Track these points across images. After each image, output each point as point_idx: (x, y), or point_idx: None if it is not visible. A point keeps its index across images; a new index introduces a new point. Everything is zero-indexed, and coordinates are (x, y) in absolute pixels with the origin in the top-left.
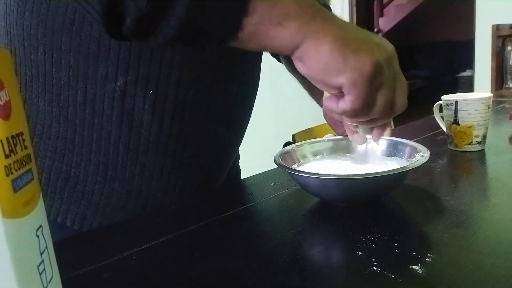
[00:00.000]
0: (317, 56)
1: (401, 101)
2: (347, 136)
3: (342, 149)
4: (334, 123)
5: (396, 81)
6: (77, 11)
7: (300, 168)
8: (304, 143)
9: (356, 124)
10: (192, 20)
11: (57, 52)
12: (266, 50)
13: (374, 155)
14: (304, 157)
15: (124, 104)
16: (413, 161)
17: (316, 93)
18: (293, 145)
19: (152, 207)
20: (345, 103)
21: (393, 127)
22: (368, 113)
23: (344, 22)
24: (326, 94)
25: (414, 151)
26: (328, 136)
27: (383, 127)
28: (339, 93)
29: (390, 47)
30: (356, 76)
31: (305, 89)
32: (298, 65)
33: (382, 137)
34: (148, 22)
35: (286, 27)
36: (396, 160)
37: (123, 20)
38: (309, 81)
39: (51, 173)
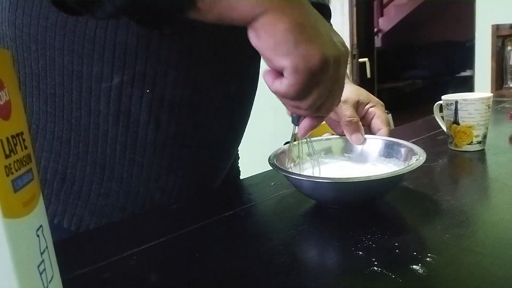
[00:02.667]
0: (271, 32)
1: (330, 105)
2: (344, 135)
3: (339, 148)
4: (332, 123)
5: (336, 83)
6: None
7: (295, 169)
8: (301, 142)
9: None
10: None
11: (51, 50)
12: (224, 21)
13: (371, 156)
14: (301, 156)
15: (121, 104)
16: (409, 164)
17: None
18: (289, 144)
19: (151, 208)
20: (281, 85)
21: (392, 127)
22: (298, 101)
23: (308, 6)
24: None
25: (411, 152)
26: (326, 135)
27: (312, 123)
28: (280, 72)
29: (344, 49)
30: (301, 64)
31: None
32: (251, 36)
33: (309, 132)
34: None
35: None
36: (393, 161)
37: None
38: None
39: (47, 174)
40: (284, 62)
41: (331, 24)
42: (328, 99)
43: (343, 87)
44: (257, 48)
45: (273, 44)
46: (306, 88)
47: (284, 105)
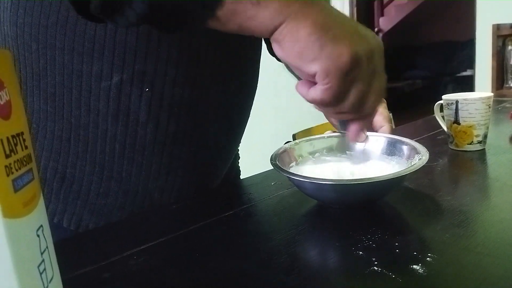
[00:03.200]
0: (294, 39)
1: (374, 100)
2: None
3: (341, 147)
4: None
5: (374, 78)
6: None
7: (297, 168)
8: (302, 141)
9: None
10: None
11: (51, 50)
12: (245, 32)
13: (374, 154)
14: (302, 155)
15: (120, 102)
16: (411, 163)
17: None
18: (291, 143)
19: (150, 207)
20: (315, 92)
21: (393, 126)
22: (338, 105)
23: (330, 6)
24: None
25: (414, 151)
26: (328, 133)
27: (360, 125)
28: (313, 80)
29: (375, 41)
30: (331, 66)
31: None
32: (276, 47)
33: (359, 136)
34: (114, 1)
35: (266, 6)
36: (396, 159)
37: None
38: None
39: (46, 173)
40: (314, 67)
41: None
42: (370, 96)
43: (384, 81)
44: (284, 60)
45: (298, 51)
46: (342, 89)
47: (327, 116)
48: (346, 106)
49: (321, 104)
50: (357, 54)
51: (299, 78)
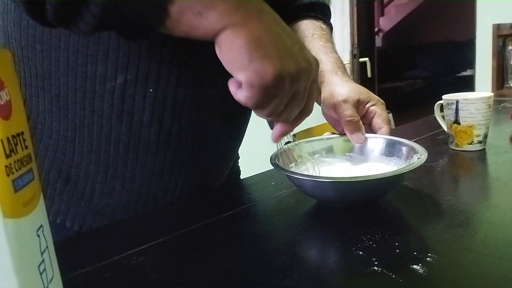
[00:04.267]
0: (228, 47)
1: (287, 115)
2: (346, 134)
3: (340, 148)
4: (334, 122)
5: (293, 98)
6: None
7: (297, 168)
8: (302, 142)
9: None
10: (114, 7)
11: (56, 51)
12: (191, 37)
13: (373, 155)
14: (302, 156)
15: (124, 103)
16: (410, 162)
17: None
18: (291, 143)
19: (153, 208)
20: (240, 95)
21: (393, 126)
22: (257, 110)
23: (274, 20)
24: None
25: (412, 151)
26: (327, 135)
27: (282, 128)
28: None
29: (306, 65)
30: (255, 80)
31: None
32: (216, 50)
33: (280, 137)
34: (68, 9)
35: (206, 17)
36: (395, 160)
37: (45, 7)
38: None
39: (50, 173)
40: (240, 77)
41: (331, 28)
42: (285, 111)
43: (305, 99)
44: (221, 61)
45: (230, 59)
46: (261, 101)
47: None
48: (264, 113)
49: (244, 105)
50: (281, 75)
51: None
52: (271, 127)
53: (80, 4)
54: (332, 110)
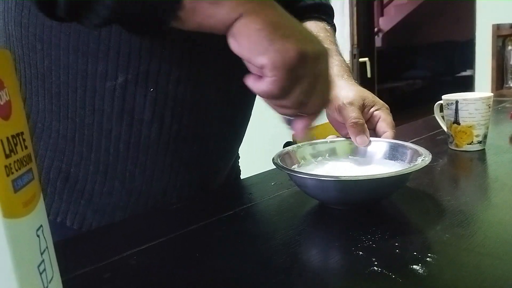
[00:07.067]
0: (247, 34)
1: (316, 101)
2: (349, 137)
3: (344, 150)
4: (337, 124)
5: (318, 81)
6: None
7: (299, 169)
8: (305, 144)
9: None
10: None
11: (56, 50)
12: (204, 29)
13: (376, 158)
14: (305, 158)
15: (125, 102)
16: (414, 164)
17: None
18: (294, 145)
19: (153, 207)
20: (263, 84)
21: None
22: (283, 98)
23: (283, 10)
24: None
25: (416, 154)
26: (331, 137)
27: (304, 122)
28: (261, 74)
29: (322, 48)
30: (278, 60)
31: None
32: (231, 42)
33: (304, 132)
34: (80, 2)
35: (222, 4)
36: (398, 163)
37: (56, 1)
38: None
39: (50, 172)
40: (262, 60)
41: (334, 29)
42: (313, 96)
43: (329, 86)
44: (238, 54)
45: (249, 45)
46: (287, 83)
47: (272, 108)
48: (289, 101)
49: (267, 96)
50: (304, 52)
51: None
52: (289, 124)
53: None
54: (337, 113)
